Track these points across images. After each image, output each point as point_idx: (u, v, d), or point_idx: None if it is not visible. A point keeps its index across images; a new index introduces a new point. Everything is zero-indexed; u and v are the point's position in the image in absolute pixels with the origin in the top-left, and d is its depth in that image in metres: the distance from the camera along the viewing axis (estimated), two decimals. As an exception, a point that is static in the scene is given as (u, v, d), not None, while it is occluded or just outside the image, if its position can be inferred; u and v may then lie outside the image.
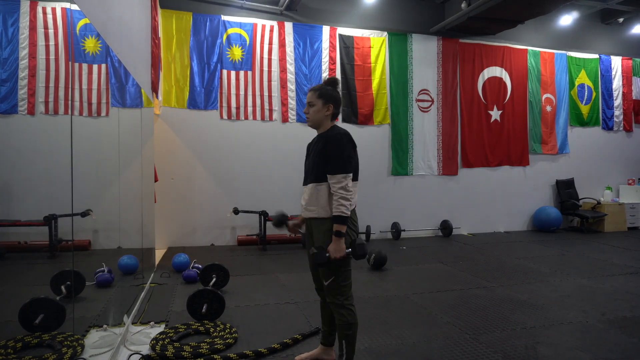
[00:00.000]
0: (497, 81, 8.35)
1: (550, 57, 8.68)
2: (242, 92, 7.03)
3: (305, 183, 2.69)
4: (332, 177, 2.50)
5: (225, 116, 6.98)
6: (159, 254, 6.16)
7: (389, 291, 4.48)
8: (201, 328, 3.38)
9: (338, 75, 7.42)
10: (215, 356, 2.91)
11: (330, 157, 2.51)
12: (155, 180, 5.74)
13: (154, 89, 5.16)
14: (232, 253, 6.36)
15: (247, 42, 7.04)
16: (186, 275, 4.79)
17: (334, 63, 7.42)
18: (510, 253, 6.38)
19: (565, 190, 8.65)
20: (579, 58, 8.91)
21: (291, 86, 7.21)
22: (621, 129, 9.29)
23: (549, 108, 8.70)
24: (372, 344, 3.17)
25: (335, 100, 2.64)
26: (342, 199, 2.46)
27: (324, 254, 2.50)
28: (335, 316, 2.62)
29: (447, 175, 8.08)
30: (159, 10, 6.31)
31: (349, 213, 2.48)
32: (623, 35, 9.19)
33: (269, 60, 7.14)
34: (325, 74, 7.34)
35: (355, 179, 2.60)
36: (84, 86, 2.86)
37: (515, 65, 8.42)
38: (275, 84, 7.17)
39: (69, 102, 2.51)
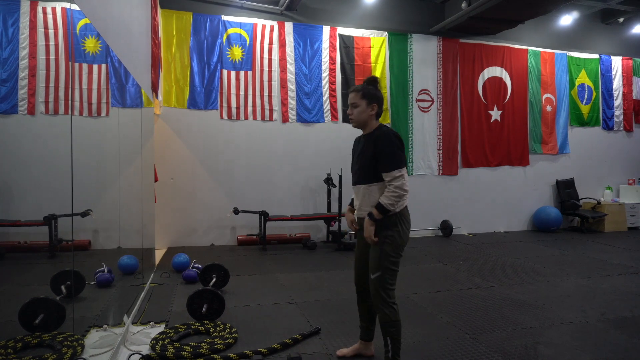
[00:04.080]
0: (497, 81, 8.35)
1: (551, 57, 8.68)
2: (242, 92, 7.03)
3: (355, 183, 2.74)
4: (387, 175, 2.51)
5: (225, 116, 6.98)
6: (159, 254, 6.16)
7: (389, 291, 4.48)
8: (201, 328, 3.38)
9: (338, 75, 7.42)
10: (215, 356, 2.91)
11: (382, 156, 2.53)
12: (155, 180, 5.74)
13: (154, 89, 5.16)
14: (232, 253, 6.36)
15: (247, 42, 7.04)
16: (186, 275, 4.79)
17: (334, 63, 7.42)
18: (510, 253, 6.38)
19: (565, 190, 8.65)
20: (579, 58, 8.91)
21: (291, 86, 7.21)
22: (621, 129, 9.29)
23: (549, 108, 8.70)
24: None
25: (378, 99, 2.68)
26: (395, 194, 2.47)
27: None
28: (377, 314, 2.64)
29: (447, 175, 8.08)
30: (159, 10, 6.31)
31: (395, 209, 2.49)
32: (623, 35, 9.19)
33: (269, 60, 7.14)
34: (325, 74, 7.34)
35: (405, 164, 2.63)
36: (84, 86, 2.86)
37: (515, 65, 8.42)
38: (275, 84, 7.17)
39: (69, 102, 2.51)
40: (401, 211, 2.60)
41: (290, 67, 7.21)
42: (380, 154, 2.54)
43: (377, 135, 2.60)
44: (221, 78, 6.95)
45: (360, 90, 2.67)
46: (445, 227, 7.82)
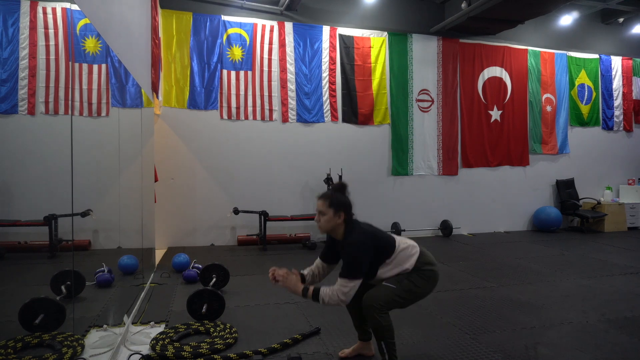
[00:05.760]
0: (497, 81, 8.35)
1: (551, 57, 8.68)
2: (242, 92, 7.03)
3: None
4: (340, 279, 2.57)
5: (225, 116, 6.98)
6: (159, 254, 6.16)
7: (389, 291, 4.47)
8: (201, 328, 3.38)
9: (338, 75, 7.42)
10: (215, 356, 2.91)
11: (344, 262, 2.62)
12: (155, 180, 5.74)
13: (154, 89, 5.16)
14: (232, 253, 6.36)
15: (247, 42, 7.04)
16: (186, 275, 4.79)
17: (334, 63, 7.42)
18: (510, 253, 6.38)
19: (565, 190, 8.65)
20: (579, 58, 8.91)
21: (291, 86, 7.21)
22: (621, 129, 9.29)
23: (549, 108, 8.70)
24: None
25: (345, 207, 2.67)
26: (335, 299, 2.55)
27: None
28: (369, 322, 2.66)
29: (447, 175, 8.08)
30: (159, 10, 6.31)
31: (324, 303, 2.58)
32: (623, 35, 9.19)
33: (269, 60, 7.14)
34: (325, 74, 7.35)
35: (391, 252, 2.69)
36: (84, 86, 2.86)
37: (515, 65, 8.42)
38: (275, 84, 7.17)
39: (69, 102, 2.51)
40: (418, 267, 2.76)
41: (290, 67, 7.21)
42: (343, 259, 2.63)
43: (344, 244, 2.65)
44: (221, 78, 6.95)
45: (328, 199, 2.67)
46: (445, 227, 7.82)
